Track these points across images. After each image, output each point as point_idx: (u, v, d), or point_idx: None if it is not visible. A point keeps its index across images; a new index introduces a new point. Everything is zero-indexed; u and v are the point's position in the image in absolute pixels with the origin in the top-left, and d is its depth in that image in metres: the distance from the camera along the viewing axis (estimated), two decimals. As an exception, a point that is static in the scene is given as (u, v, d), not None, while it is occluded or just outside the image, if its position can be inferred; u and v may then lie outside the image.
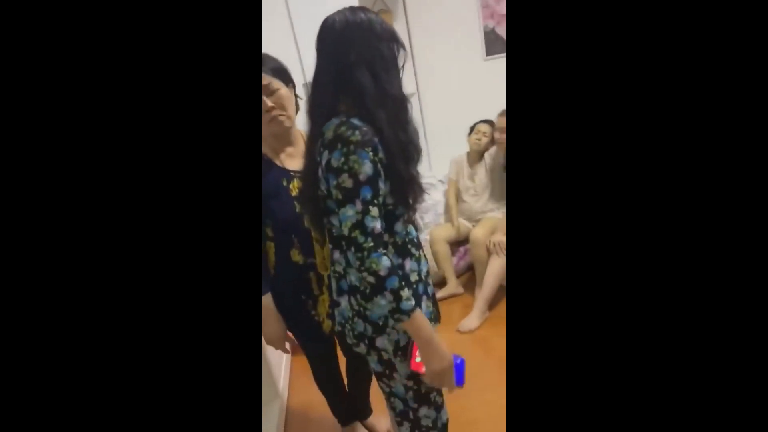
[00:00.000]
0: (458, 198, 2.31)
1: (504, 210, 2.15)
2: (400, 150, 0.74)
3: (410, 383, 0.85)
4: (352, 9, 0.76)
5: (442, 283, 2.25)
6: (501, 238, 1.95)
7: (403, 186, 0.75)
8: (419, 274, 0.84)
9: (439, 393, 0.90)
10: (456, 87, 2.58)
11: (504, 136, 2.01)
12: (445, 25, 2.48)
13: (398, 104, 0.76)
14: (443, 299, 2.19)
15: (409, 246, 0.82)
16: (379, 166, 0.70)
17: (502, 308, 2.07)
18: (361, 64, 0.72)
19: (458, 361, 0.81)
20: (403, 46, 0.77)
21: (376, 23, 0.74)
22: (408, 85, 2.51)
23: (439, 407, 0.90)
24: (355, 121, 0.71)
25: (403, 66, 0.77)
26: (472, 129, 2.23)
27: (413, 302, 0.72)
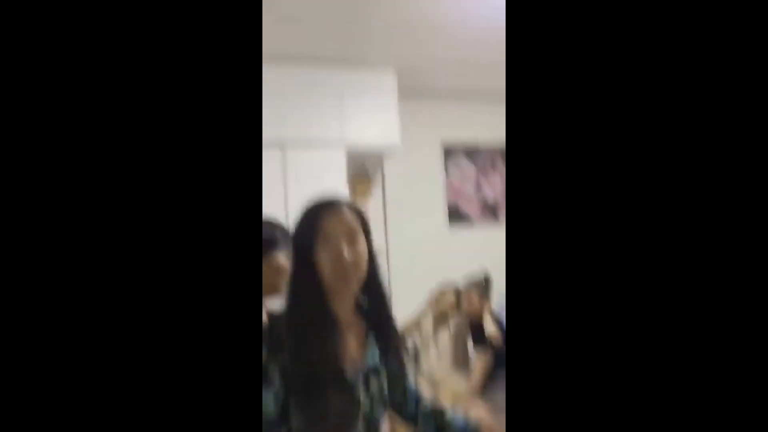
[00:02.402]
0: (420, 352, 2.28)
1: (467, 380, 2.13)
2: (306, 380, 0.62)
3: None
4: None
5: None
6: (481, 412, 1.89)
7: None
8: None
9: None
10: (423, 251, 2.79)
11: (469, 307, 2.12)
12: (416, 196, 2.83)
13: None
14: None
15: None
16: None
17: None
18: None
19: None
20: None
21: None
22: (378, 243, 2.71)
23: None
24: None
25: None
26: (437, 295, 2.35)
27: None
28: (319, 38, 2.08)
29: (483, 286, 2.15)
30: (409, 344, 2.41)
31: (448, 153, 2.91)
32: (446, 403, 1.94)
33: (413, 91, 2.67)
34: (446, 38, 2.17)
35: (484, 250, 2.91)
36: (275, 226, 1.03)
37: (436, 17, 1.97)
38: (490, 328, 2.01)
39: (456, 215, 2.90)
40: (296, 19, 1.89)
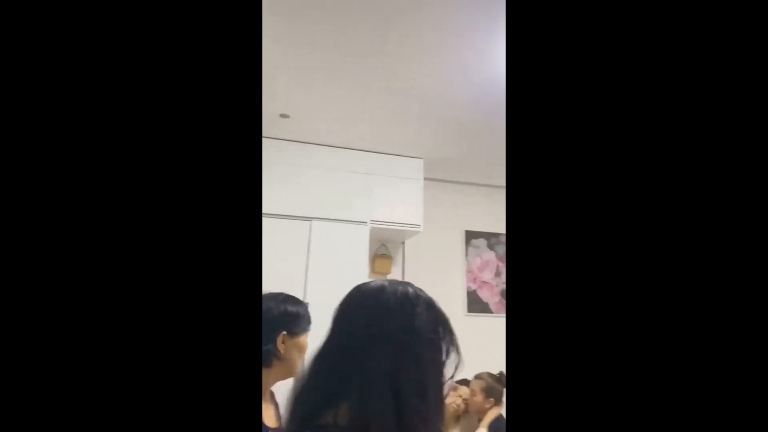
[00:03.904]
0: None
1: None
2: None
3: None
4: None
5: None
6: None
7: None
8: None
9: None
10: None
11: (471, 397, 2.01)
12: (435, 278, 2.85)
13: None
14: None
15: None
16: None
17: None
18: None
19: None
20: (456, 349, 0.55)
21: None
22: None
23: None
24: None
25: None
26: (451, 389, 2.24)
27: None
28: (357, 130, 2.34)
29: (490, 385, 2.04)
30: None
31: (470, 240, 2.98)
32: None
33: (440, 180, 2.86)
34: (473, 135, 2.38)
35: (501, 339, 2.82)
36: (303, 304, 1.01)
37: (465, 116, 2.20)
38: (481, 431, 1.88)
39: (474, 301, 2.87)
40: (338, 112, 2.16)
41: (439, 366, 0.52)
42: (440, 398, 0.52)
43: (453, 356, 0.55)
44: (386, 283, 0.57)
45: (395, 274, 2.75)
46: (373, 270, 2.69)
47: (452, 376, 0.54)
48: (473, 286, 2.90)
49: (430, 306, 0.56)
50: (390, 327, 0.51)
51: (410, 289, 0.56)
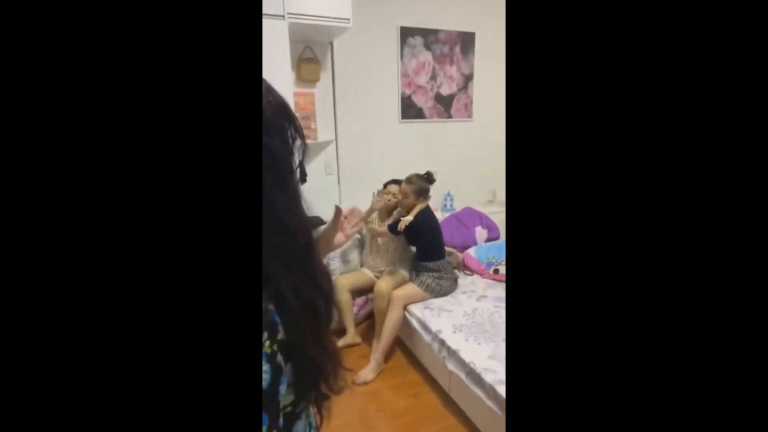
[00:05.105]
0: (366, 244, 2.37)
1: (405, 268, 2.26)
2: (309, 319, 0.47)
3: None
4: None
5: (342, 332, 2.23)
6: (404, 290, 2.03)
7: (309, 371, 0.48)
8: None
9: None
10: (372, 142, 2.72)
11: (403, 199, 2.16)
12: (368, 84, 2.66)
13: (305, 245, 0.48)
14: (342, 349, 2.16)
15: None
16: (279, 357, 0.42)
17: (395, 360, 2.10)
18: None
19: None
20: (299, 131, 0.49)
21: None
22: (327, 132, 2.59)
23: None
24: None
25: (301, 164, 0.50)
26: (384, 187, 2.35)
27: None
28: None
29: (420, 186, 2.15)
30: (357, 236, 2.49)
31: (405, 38, 2.69)
32: (387, 287, 2.09)
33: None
34: None
35: (435, 144, 2.90)
36: None
37: None
38: (407, 218, 2.11)
39: (408, 107, 2.79)
40: None
41: (290, 156, 0.48)
42: (296, 188, 0.48)
43: (299, 143, 0.50)
44: None
45: (324, 80, 2.51)
46: (299, 77, 2.42)
47: (303, 173, 0.50)
48: (407, 91, 2.77)
49: (275, 95, 0.48)
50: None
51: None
